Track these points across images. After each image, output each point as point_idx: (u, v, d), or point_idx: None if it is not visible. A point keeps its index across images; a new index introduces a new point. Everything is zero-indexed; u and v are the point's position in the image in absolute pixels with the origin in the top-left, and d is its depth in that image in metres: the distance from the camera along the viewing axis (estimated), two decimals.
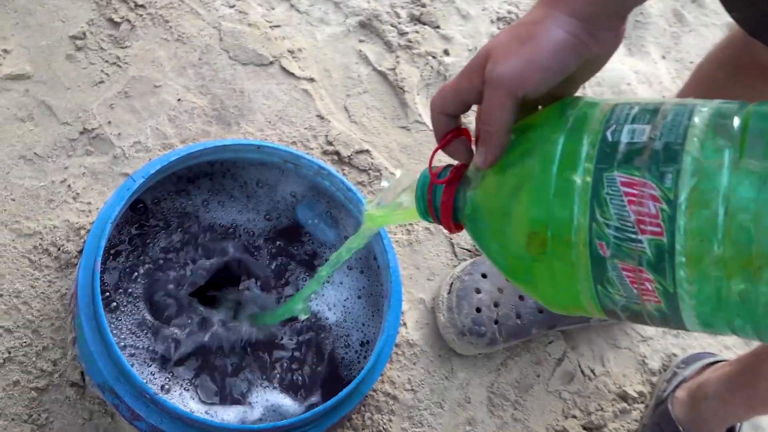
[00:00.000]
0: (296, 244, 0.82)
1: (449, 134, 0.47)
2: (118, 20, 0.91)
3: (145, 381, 0.69)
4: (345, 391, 0.70)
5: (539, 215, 0.40)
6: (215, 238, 0.79)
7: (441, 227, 0.83)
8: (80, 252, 0.80)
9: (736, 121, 0.37)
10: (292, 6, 1.01)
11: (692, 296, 0.37)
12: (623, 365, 0.93)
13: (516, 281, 0.45)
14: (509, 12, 1.09)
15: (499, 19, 1.08)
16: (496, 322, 0.85)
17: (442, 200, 0.48)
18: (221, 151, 0.78)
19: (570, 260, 0.40)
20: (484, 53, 0.43)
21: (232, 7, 0.97)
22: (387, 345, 0.77)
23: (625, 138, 0.39)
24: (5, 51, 0.87)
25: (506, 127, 0.42)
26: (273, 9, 1.00)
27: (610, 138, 0.40)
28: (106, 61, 0.89)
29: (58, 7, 0.91)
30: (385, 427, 0.83)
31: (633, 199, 0.38)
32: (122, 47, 0.90)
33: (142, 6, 0.92)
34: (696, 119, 0.38)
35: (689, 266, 0.36)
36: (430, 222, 0.50)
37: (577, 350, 0.92)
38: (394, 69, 0.99)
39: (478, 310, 0.85)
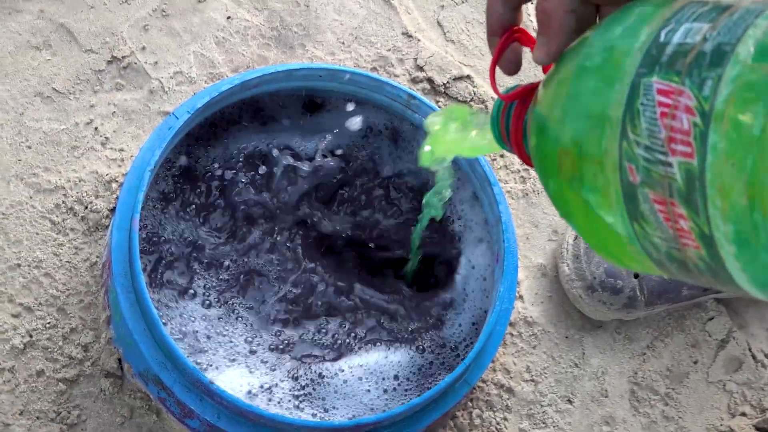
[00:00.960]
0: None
1: (506, 35, 0.41)
2: None
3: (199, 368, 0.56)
4: (446, 380, 0.56)
5: (570, 130, 0.37)
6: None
7: None
8: (112, 210, 0.65)
9: None
10: None
11: (730, 240, 0.31)
12: None
13: (562, 216, 0.41)
14: None
15: None
16: (636, 276, 0.68)
17: (512, 120, 0.43)
18: (285, 79, 0.61)
19: (600, 187, 0.36)
20: None
21: None
22: (499, 324, 0.62)
23: (678, 38, 0.35)
24: None
25: (568, 5, 0.38)
26: None
27: (662, 38, 0.35)
28: None
29: None
30: (498, 427, 0.66)
31: (666, 110, 0.33)
32: None
33: None
34: (763, 18, 0.32)
35: (721, 198, 0.31)
36: (510, 152, 0.44)
37: (747, 330, 0.72)
38: None
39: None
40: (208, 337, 0.60)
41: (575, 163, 0.38)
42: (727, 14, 0.34)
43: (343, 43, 0.73)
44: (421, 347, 0.63)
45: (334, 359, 0.62)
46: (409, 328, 0.64)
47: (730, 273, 0.33)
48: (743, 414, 0.69)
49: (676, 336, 0.70)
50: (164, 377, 0.55)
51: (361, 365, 0.62)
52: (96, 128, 0.67)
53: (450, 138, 0.49)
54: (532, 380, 0.68)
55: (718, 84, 0.32)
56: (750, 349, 0.71)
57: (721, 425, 0.69)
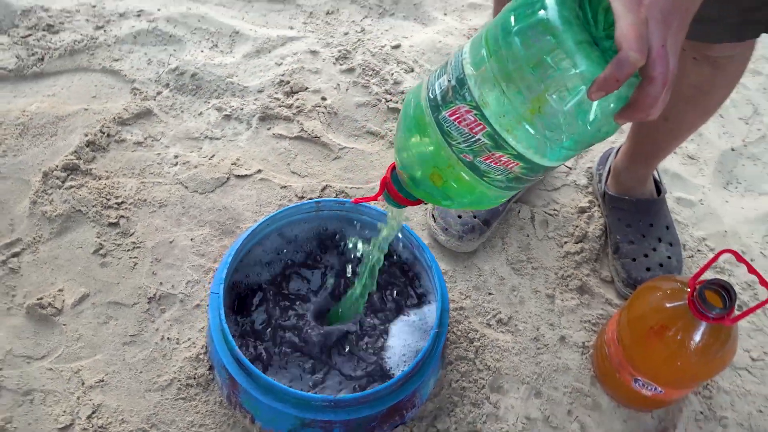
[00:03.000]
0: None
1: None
2: (115, 220, 1.18)
3: None
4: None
5: (429, 165, 0.64)
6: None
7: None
8: (210, 368, 1.05)
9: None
10: (213, 139, 1.32)
11: (528, 148, 0.58)
12: (569, 197, 1.30)
13: (444, 206, 0.70)
14: None
15: None
16: (475, 216, 1.19)
17: (387, 186, 0.75)
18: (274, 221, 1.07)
19: (459, 176, 0.63)
20: None
21: (176, 165, 1.27)
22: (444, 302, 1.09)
23: (437, 91, 0.61)
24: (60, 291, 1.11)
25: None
26: (201, 148, 1.30)
27: (431, 96, 0.62)
28: (128, 250, 1.16)
29: (72, 243, 1.16)
30: (472, 327, 1.14)
31: (459, 119, 0.59)
32: (130, 235, 1.17)
33: (123, 202, 1.20)
34: (464, 53, 0.60)
35: (511, 135, 0.57)
36: (400, 206, 0.78)
37: (533, 203, 1.28)
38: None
39: (459, 216, 1.19)
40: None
41: (439, 175, 0.64)
42: (447, 65, 0.61)
43: (256, 212, 1.23)
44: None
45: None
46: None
47: (540, 163, 0.59)
48: (566, 242, 1.24)
49: (510, 231, 1.25)
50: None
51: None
52: (168, 338, 1.09)
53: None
54: (468, 297, 1.17)
55: (470, 91, 0.57)
56: (545, 212, 1.27)
57: (561, 252, 1.23)
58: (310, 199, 1.23)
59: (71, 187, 1.20)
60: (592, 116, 0.55)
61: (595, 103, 0.54)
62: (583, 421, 1.07)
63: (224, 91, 1.38)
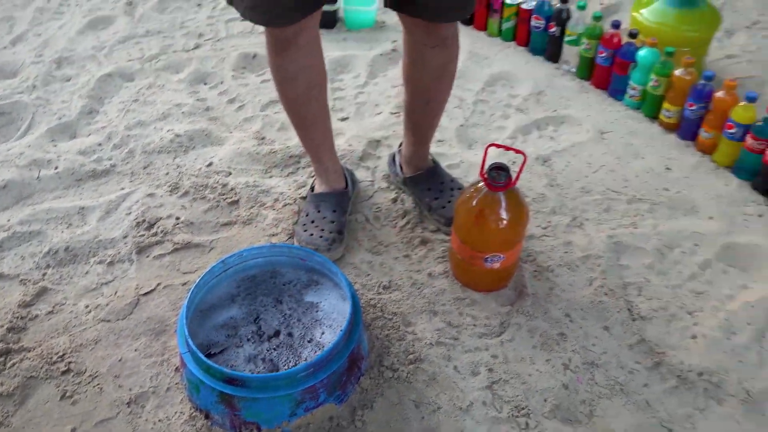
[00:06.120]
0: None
1: None
2: (66, 368, 1.38)
3: None
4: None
5: None
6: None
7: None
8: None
9: None
10: (107, 283, 1.57)
11: None
12: (381, 197, 1.77)
13: None
14: None
15: None
16: (330, 232, 1.60)
17: None
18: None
19: None
20: None
21: (90, 312, 1.50)
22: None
23: None
24: None
25: None
26: (103, 293, 1.55)
27: None
28: (89, 382, 1.36)
29: (38, 402, 1.33)
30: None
31: None
32: (84, 372, 1.38)
33: (64, 354, 1.40)
34: None
35: None
36: None
37: (363, 212, 1.74)
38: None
39: (321, 236, 1.59)
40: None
41: None
42: None
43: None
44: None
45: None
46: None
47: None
48: (401, 228, 1.70)
49: (359, 234, 1.68)
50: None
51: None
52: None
53: None
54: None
55: None
56: (367, 215, 1.73)
57: (396, 229, 1.68)
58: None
59: (14, 365, 1.38)
60: None
61: None
62: (470, 313, 1.49)
63: (97, 248, 1.65)
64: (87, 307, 1.52)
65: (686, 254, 1.65)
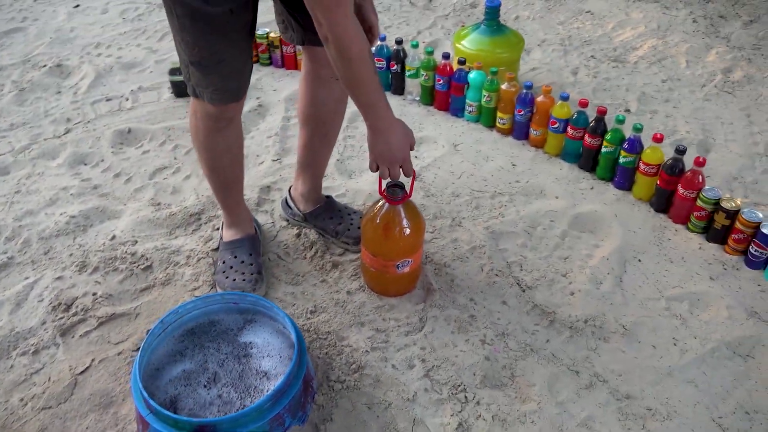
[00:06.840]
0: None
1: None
2: None
3: None
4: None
5: None
6: None
7: None
8: None
9: None
10: (37, 372, 1.56)
11: None
12: (285, 237, 1.93)
13: None
14: None
15: None
16: (252, 273, 1.73)
17: None
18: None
19: None
20: None
21: (26, 405, 1.49)
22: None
23: None
24: None
25: None
26: (35, 383, 1.54)
27: None
28: None
29: None
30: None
31: None
32: None
33: None
34: None
35: None
36: None
37: (274, 251, 1.88)
38: None
39: (243, 279, 1.71)
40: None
41: None
42: None
43: None
44: None
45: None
46: None
47: None
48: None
49: (277, 271, 1.81)
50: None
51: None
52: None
53: None
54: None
55: None
56: (278, 253, 1.88)
57: (309, 259, 1.84)
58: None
59: None
60: None
61: None
62: (392, 317, 1.69)
63: (16, 341, 1.63)
64: (22, 400, 1.50)
65: (547, 229, 1.98)
